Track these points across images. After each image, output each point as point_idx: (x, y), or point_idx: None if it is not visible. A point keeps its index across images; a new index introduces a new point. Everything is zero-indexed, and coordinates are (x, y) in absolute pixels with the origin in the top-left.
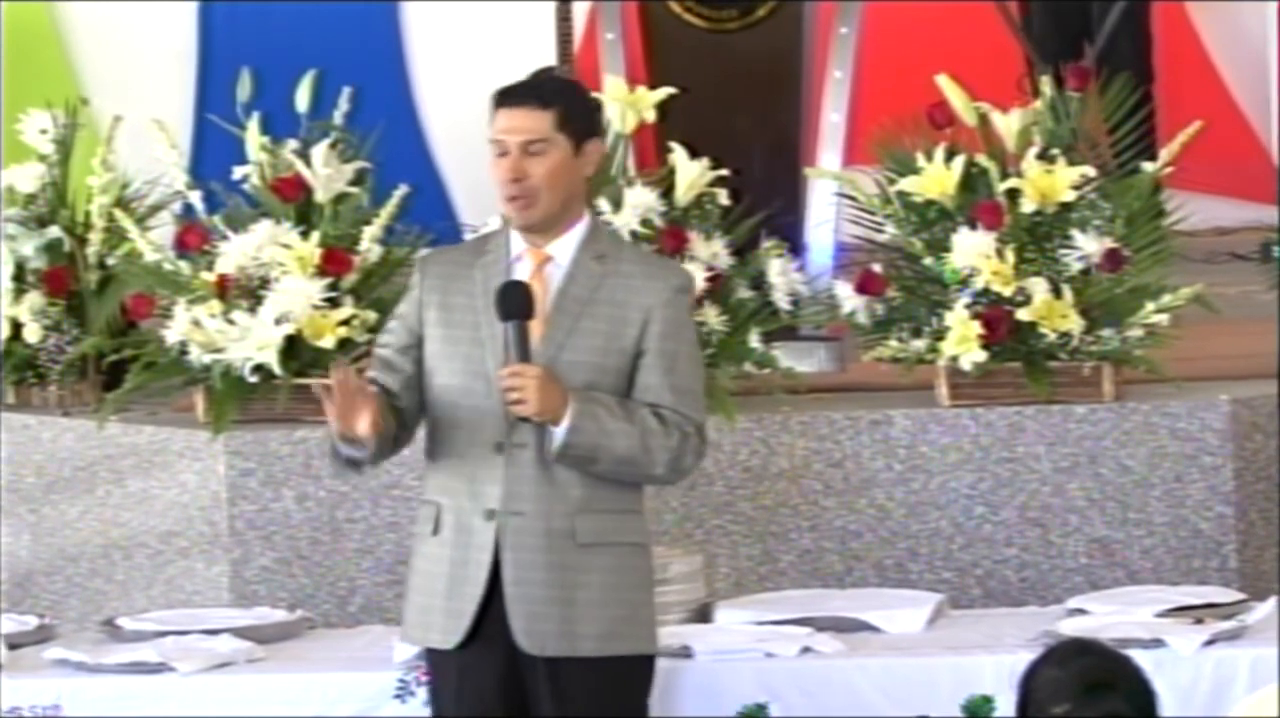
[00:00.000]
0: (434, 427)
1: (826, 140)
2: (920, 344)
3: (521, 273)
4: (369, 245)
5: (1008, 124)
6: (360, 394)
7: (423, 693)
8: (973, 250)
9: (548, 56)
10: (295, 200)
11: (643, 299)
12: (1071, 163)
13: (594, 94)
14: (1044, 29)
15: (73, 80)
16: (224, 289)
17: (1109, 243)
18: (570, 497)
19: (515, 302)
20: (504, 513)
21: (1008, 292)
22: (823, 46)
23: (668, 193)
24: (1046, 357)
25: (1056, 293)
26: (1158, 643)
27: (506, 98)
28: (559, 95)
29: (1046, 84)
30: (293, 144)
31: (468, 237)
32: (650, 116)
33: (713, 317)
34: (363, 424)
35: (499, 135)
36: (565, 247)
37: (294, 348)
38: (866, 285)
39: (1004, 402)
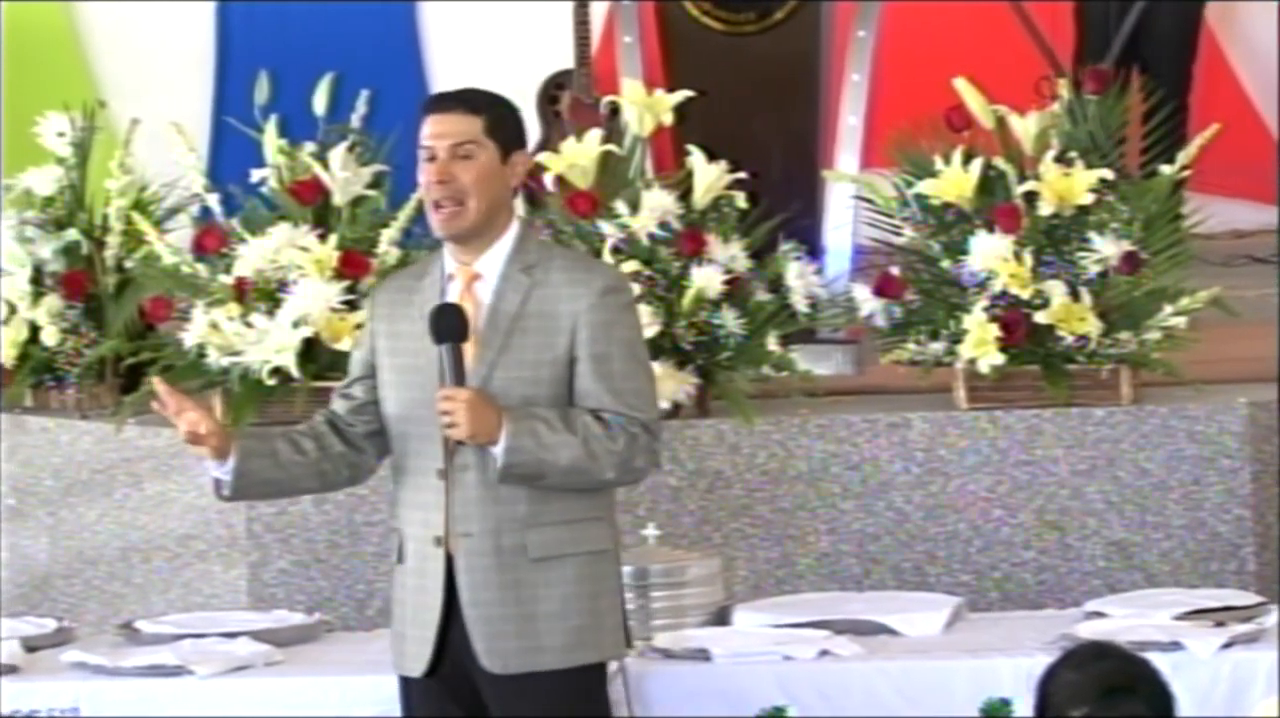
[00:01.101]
0: (396, 457)
1: (844, 143)
2: (938, 347)
3: (454, 293)
4: (387, 248)
5: (1025, 127)
6: (190, 406)
7: None
8: (990, 253)
9: (565, 58)
10: (313, 203)
11: (569, 306)
12: (1089, 166)
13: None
14: (1094, 26)
15: (91, 83)
16: (242, 292)
17: (1127, 246)
18: (517, 513)
19: (448, 324)
20: (454, 536)
21: (1025, 295)
22: (840, 49)
23: (685, 196)
24: (1064, 360)
25: (1074, 296)
26: (1176, 646)
27: (435, 104)
28: (487, 104)
29: (1064, 87)
30: (310, 147)
31: None
32: (668, 119)
33: (731, 319)
34: (204, 444)
35: (427, 141)
36: (493, 262)
37: (312, 351)
38: (884, 288)
39: (1022, 405)
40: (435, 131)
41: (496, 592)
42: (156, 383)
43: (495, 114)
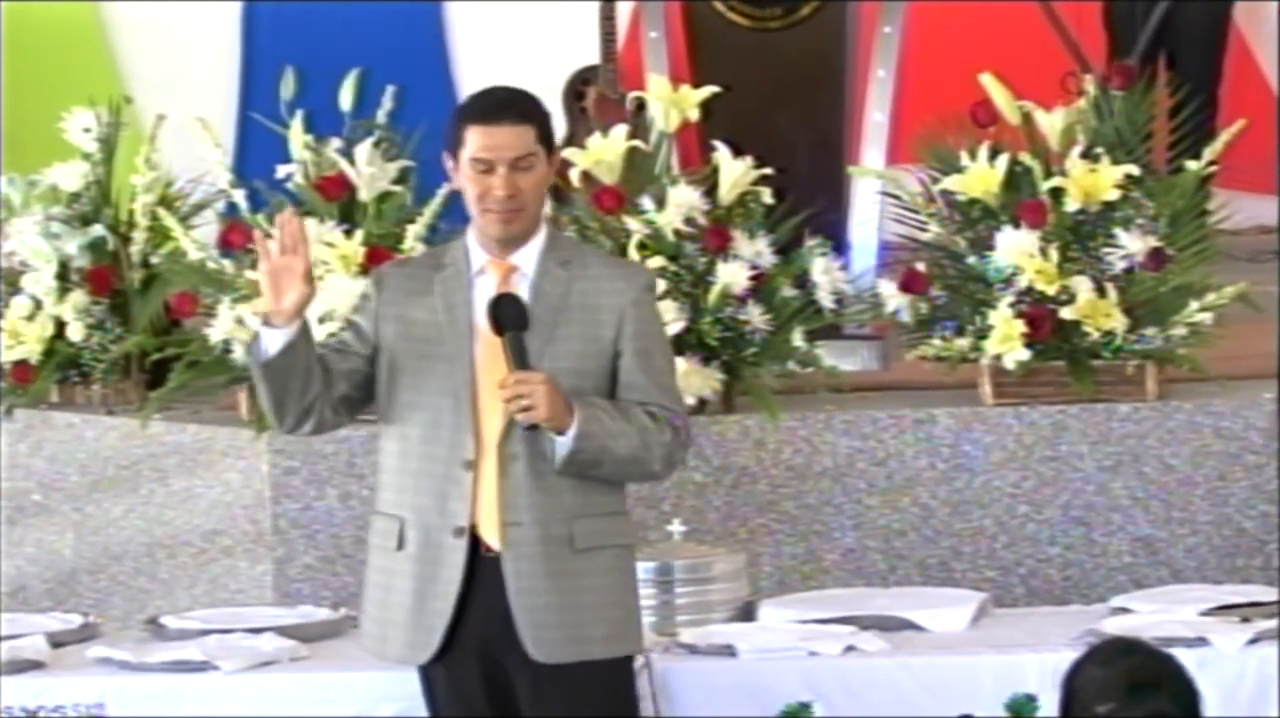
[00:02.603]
0: (397, 443)
1: (870, 139)
2: (964, 343)
3: (486, 285)
4: (412, 244)
5: (1051, 123)
6: (301, 252)
7: None
8: (1016, 249)
9: (591, 54)
10: (339, 199)
11: (612, 300)
12: (1115, 162)
13: None
14: (1122, 22)
15: (117, 79)
16: None
17: (1153, 242)
18: (565, 504)
19: (509, 313)
20: (504, 525)
21: (1051, 290)
22: (866, 45)
23: (711, 191)
24: (1090, 355)
25: (1100, 292)
26: (1201, 642)
27: (489, 115)
28: (535, 110)
29: (1090, 82)
30: (336, 143)
31: None
32: (694, 115)
33: (756, 315)
34: (291, 295)
35: (484, 154)
36: (529, 255)
37: None
38: (910, 284)
39: (1047, 400)
40: (494, 144)
41: (544, 581)
42: (287, 215)
43: (542, 120)
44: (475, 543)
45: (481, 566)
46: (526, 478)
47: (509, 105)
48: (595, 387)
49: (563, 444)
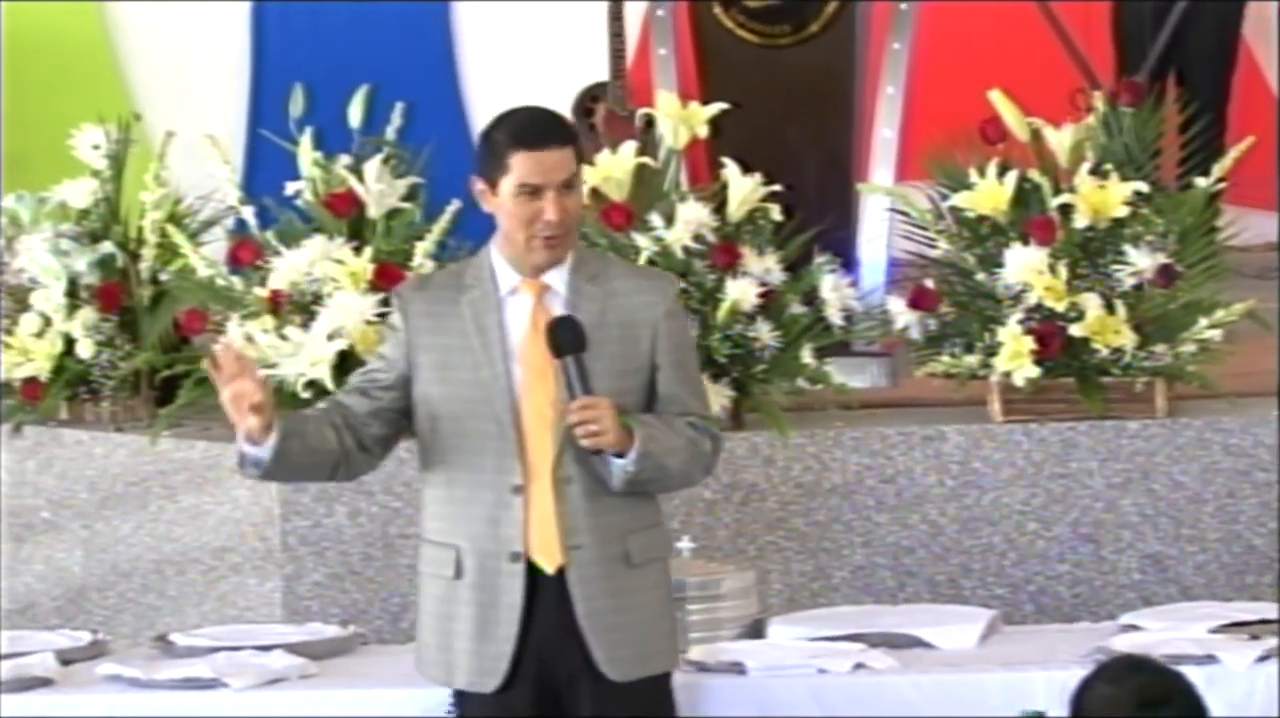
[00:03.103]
0: (443, 472)
1: (879, 156)
2: (973, 360)
3: (521, 305)
4: (422, 261)
5: (1060, 139)
6: (247, 374)
7: None
8: (1025, 266)
9: (600, 71)
10: (348, 216)
11: (646, 314)
12: (1124, 178)
13: None
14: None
15: (125, 95)
16: (277, 305)
17: (1162, 258)
18: (620, 521)
19: (569, 336)
20: (565, 549)
21: (1060, 307)
22: (875, 62)
23: (720, 208)
24: (1099, 372)
25: (1109, 308)
26: (1211, 659)
27: (538, 140)
28: (572, 131)
29: (1099, 99)
30: (345, 159)
31: None
32: (703, 132)
33: (765, 332)
34: (250, 419)
35: (534, 179)
36: (560, 273)
37: (346, 363)
38: (919, 301)
39: (1057, 417)
40: (545, 168)
41: (609, 600)
42: (223, 344)
43: (577, 139)
44: (531, 568)
45: (542, 590)
46: (582, 500)
47: (554, 127)
48: (636, 402)
49: (625, 465)
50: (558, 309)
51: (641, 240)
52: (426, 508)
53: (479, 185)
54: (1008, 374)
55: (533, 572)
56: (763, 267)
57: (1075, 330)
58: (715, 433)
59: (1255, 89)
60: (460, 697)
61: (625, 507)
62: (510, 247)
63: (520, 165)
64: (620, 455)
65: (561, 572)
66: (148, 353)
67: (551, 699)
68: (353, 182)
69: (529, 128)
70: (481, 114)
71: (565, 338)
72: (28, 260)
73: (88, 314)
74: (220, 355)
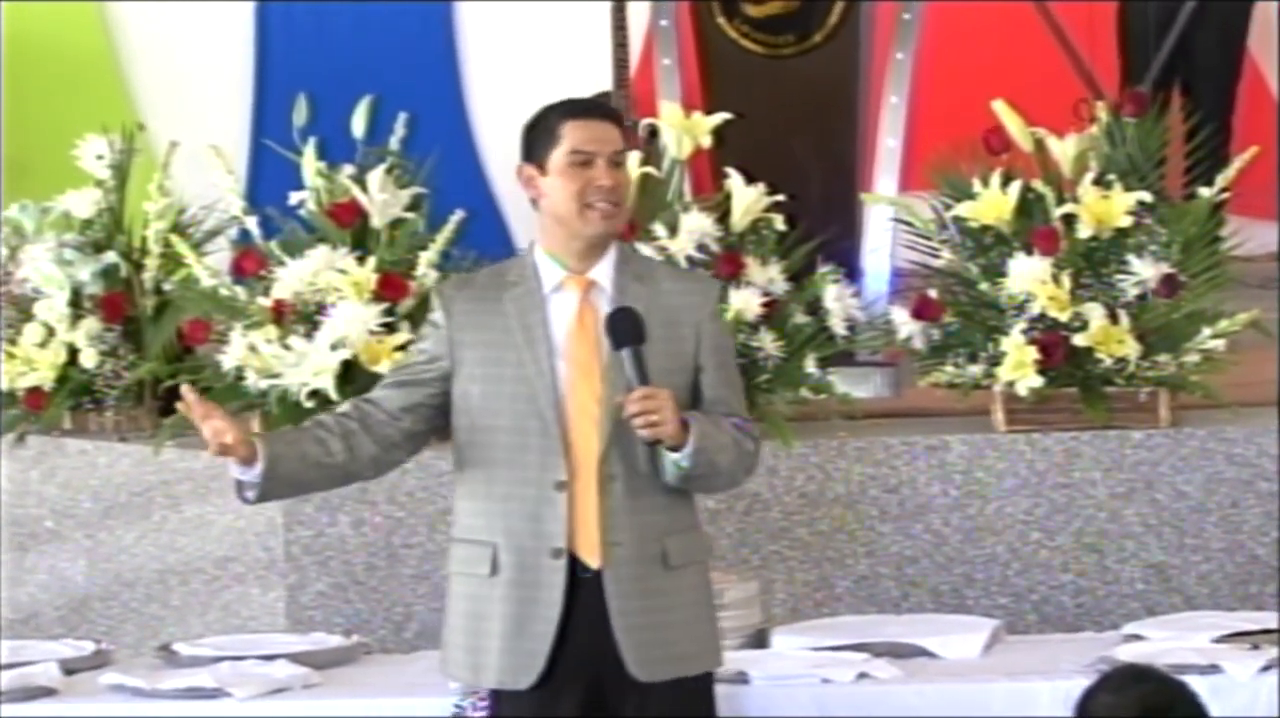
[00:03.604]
0: (482, 468)
1: (883, 166)
2: (976, 370)
3: (566, 302)
4: (425, 271)
5: (1064, 149)
6: (215, 415)
7: None
8: (1029, 276)
9: (603, 80)
10: (351, 226)
11: (691, 315)
12: (1128, 188)
13: None
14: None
15: (129, 105)
16: (280, 315)
17: (1165, 268)
18: (659, 521)
19: (626, 327)
20: (604, 546)
21: (1064, 317)
22: (879, 72)
23: (724, 218)
24: (1103, 382)
25: (1113, 318)
26: (1214, 669)
27: (587, 111)
28: (619, 113)
29: (1103, 109)
30: (349, 169)
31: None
32: (706, 142)
33: (769, 342)
34: (230, 456)
35: (587, 146)
36: (605, 270)
37: (350, 373)
38: (923, 311)
39: (1060, 427)
40: (594, 137)
41: (641, 600)
42: (185, 390)
43: (625, 125)
44: (572, 564)
45: (581, 586)
46: (625, 498)
47: (601, 103)
48: (684, 402)
49: (680, 459)
50: (603, 305)
51: (645, 250)
52: (460, 506)
53: (526, 171)
54: (1011, 384)
55: (571, 570)
56: (766, 277)
57: (1079, 340)
58: (755, 434)
59: (1259, 98)
60: (497, 697)
61: (665, 508)
62: (557, 235)
63: (572, 134)
64: (675, 449)
65: (599, 570)
66: (151, 363)
67: (593, 699)
68: (356, 191)
69: (578, 102)
70: (485, 124)
71: (626, 329)
72: (31, 270)
73: (91, 324)
74: (186, 403)
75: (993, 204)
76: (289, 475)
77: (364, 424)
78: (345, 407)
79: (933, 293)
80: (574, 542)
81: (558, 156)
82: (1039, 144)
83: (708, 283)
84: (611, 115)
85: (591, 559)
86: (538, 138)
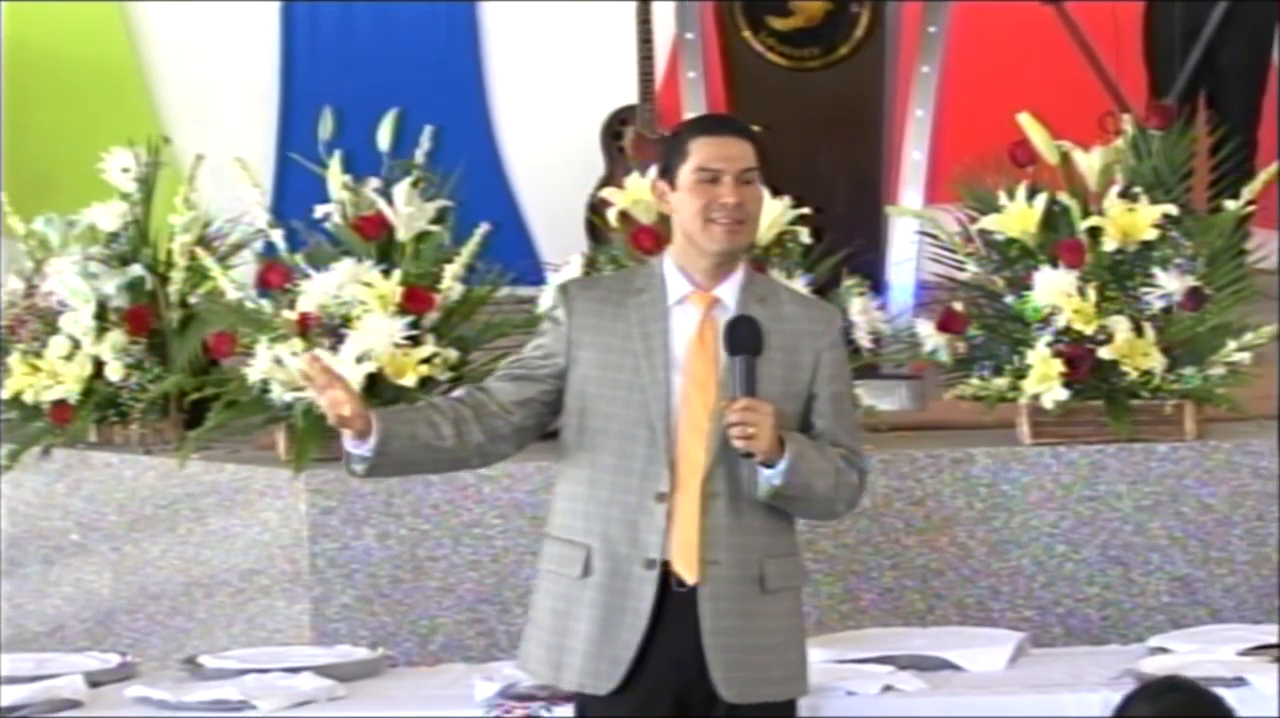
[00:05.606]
0: (586, 470)
1: (908, 178)
2: (1002, 382)
3: (688, 316)
4: (450, 284)
5: (1089, 162)
6: (336, 384)
7: None
8: (1054, 289)
9: (629, 94)
10: (377, 239)
11: (811, 342)
12: (1154, 201)
13: None
14: (1163, 62)
15: (155, 119)
16: (305, 327)
17: (1190, 281)
18: (759, 543)
19: (745, 336)
20: (703, 563)
21: (1089, 330)
22: (904, 85)
23: None
24: (1128, 395)
25: (1138, 331)
26: (1240, 682)
27: (717, 127)
28: (753, 131)
29: (1128, 122)
30: (374, 183)
31: (549, 275)
32: None
33: None
34: (346, 426)
35: (714, 163)
36: (730, 289)
37: (376, 386)
38: (948, 323)
39: (1086, 440)
40: (724, 154)
41: (736, 621)
42: (309, 358)
43: (759, 143)
44: (664, 576)
45: (672, 600)
46: (726, 516)
47: (733, 120)
48: (787, 426)
49: (773, 477)
50: (725, 323)
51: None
52: (558, 505)
53: (659, 187)
54: (1036, 397)
55: (663, 582)
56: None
57: (1104, 353)
58: (864, 468)
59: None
60: (581, 699)
61: (766, 530)
62: (685, 250)
63: (699, 150)
64: (769, 466)
65: (694, 586)
66: (177, 376)
67: (679, 714)
68: (381, 204)
69: (710, 118)
70: (510, 138)
71: (743, 337)
72: (57, 283)
73: (117, 337)
74: (310, 369)
75: (1018, 217)
76: (399, 454)
77: (477, 413)
78: (460, 392)
79: (958, 306)
80: (670, 555)
81: (685, 173)
82: (1064, 157)
83: (830, 312)
84: (743, 132)
85: (688, 574)
86: (669, 154)
